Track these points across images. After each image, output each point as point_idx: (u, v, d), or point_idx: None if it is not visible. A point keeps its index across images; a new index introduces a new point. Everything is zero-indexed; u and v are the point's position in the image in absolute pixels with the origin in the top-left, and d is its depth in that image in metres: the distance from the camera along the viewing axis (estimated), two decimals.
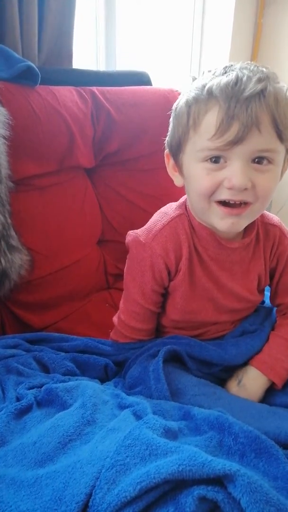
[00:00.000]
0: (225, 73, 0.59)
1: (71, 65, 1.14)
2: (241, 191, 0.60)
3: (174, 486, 0.43)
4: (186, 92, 0.64)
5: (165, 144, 0.71)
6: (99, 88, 1.08)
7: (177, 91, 1.22)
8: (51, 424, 0.52)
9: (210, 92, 0.58)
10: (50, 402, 0.58)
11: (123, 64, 1.61)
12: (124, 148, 1.12)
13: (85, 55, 1.50)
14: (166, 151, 0.71)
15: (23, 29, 1.00)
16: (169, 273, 0.72)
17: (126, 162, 1.15)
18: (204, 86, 0.59)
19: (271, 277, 0.80)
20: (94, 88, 1.07)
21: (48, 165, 0.97)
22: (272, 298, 0.83)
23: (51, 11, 1.03)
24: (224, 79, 0.58)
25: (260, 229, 0.75)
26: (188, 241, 0.71)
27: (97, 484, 0.42)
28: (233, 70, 0.59)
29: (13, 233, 0.85)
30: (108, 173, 1.15)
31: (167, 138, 0.70)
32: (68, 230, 1.04)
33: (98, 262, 1.13)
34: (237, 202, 0.61)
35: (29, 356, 0.72)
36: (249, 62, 0.62)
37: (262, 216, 0.76)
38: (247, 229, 0.73)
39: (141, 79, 1.23)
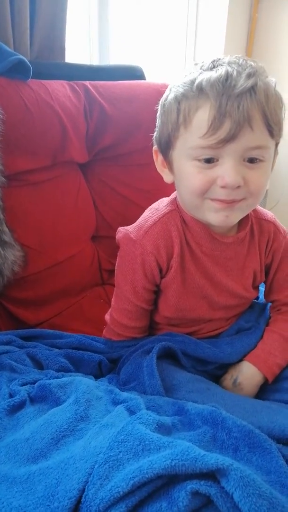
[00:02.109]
0: (214, 67, 0.58)
1: (64, 59, 1.13)
2: (234, 189, 0.59)
3: (167, 481, 0.43)
4: (174, 87, 0.62)
5: (153, 140, 0.69)
6: (92, 82, 1.07)
7: None
8: (44, 420, 0.52)
9: (200, 88, 0.57)
10: (43, 398, 0.58)
11: (116, 58, 1.59)
12: (118, 143, 1.11)
13: (78, 49, 1.49)
14: (155, 147, 0.69)
15: (15, 22, 0.98)
16: (160, 270, 0.72)
17: (120, 157, 1.15)
18: (193, 82, 0.58)
19: (266, 273, 0.80)
20: (87, 82, 1.06)
21: (41, 160, 0.96)
22: (266, 294, 0.83)
23: (43, 4, 1.02)
24: (214, 75, 0.57)
25: (255, 225, 0.75)
26: (180, 238, 0.70)
27: (90, 480, 0.42)
28: (221, 65, 0.58)
29: (5, 228, 0.85)
30: (102, 168, 1.14)
31: (155, 134, 0.69)
32: (62, 225, 1.03)
33: (92, 258, 1.13)
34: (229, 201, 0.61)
35: (23, 352, 0.71)
36: (237, 55, 0.61)
37: (256, 211, 0.75)
38: (241, 224, 0.73)
39: (135, 73, 1.22)
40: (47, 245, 0.99)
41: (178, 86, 0.61)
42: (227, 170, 0.58)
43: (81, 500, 0.41)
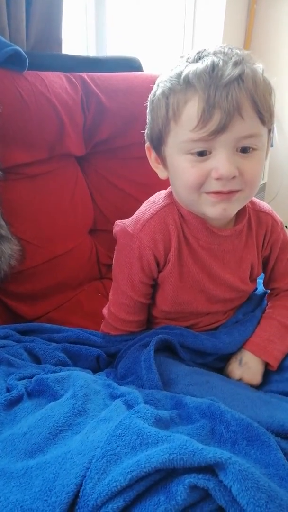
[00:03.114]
0: (200, 59, 0.58)
1: (61, 51, 1.12)
2: (229, 180, 0.59)
3: (165, 475, 0.43)
4: (161, 82, 0.62)
5: (145, 137, 0.69)
6: (89, 74, 1.06)
7: None
8: (42, 414, 0.51)
9: (187, 81, 0.57)
10: (41, 392, 0.58)
11: (113, 50, 1.58)
12: (115, 135, 1.10)
13: (75, 41, 1.47)
14: (147, 144, 0.69)
15: (11, 13, 0.97)
16: (157, 264, 0.71)
17: (117, 150, 1.14)
18: (179, 75, 0.58)
19: (265, 265, 0.80)
20: (84, 74, 1.05)
21: (38, 153, 0.95)
22: (266, 283, 0.84)
23: None
24: (200, 66, 0.56)
25: (252, 217, 0.74)
26: (178, 231, 0.70)
27: (88, 474, 0.42)
28: (207, 56, 0.57)
29: (2, 222, 0.84)
30: (99, 161, 1.13)
31: (146, 131, 0.68)
32: (59, 219, 1.03)
33: (90, 252, 1.12)
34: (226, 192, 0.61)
35: (20, 346, 0.71)
36: (222, 45, 0.60)
37: (253, 203, 0.75)
38: (239, 216, 0.72)
39: (132, 65, 1.21)
40: (44, 238, 0.98)
41: (165, 80, 0.60)
42: (220, 162, 0.58)
43: (79, 494, 0.41)
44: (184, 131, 0.58)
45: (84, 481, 0.42)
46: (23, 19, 1.00)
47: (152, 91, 0.64)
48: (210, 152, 0.59)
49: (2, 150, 0.84)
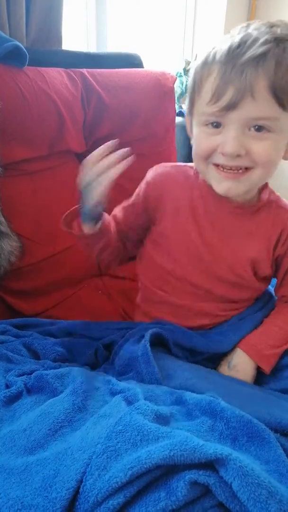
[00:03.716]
0: (238, 34, 0.58)
1: (61, 47, 1.11)
2: (234, 158, 0.60)
3: (166, 471, 0.43)
4: (202, 53, 0.63)
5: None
6: (90, 70, 1.05)
7: (169, 73, 1.20)
8: (41, 411, 0.51)
9: (214, 56, 0.58)
10: (40, 389, 0.58)
11: (114, 46, 1.57)
12: (115, 132, 1.10)
13: (75, 37, 1.47)
14: (187, 115, 0.72)
15: (10, 9, 0.96)
16: (155, 208, 0.76)
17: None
18: (213, 49, 0.59)
19: (278, 266, 0.77)
20: (84, 70, 1.04)
21: (38, 149, 0.95)
22: (277, 288, 0.81)
23: None
24: (228, 43, 0.57)
25: (273, 210, 0.73)
26: (188, 192, 0.73)
27: (88, 471, 0.42)
28: (244, 31, 0.58)
29: (2, 218, 0.84)
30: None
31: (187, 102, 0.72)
32: (59, 216, 1.02)
33: None
34: (232, 168, 0.62)
35: (19, 342, 0.71)
36: (271, 21, 0.59)
37: (278, 199, 0.75)
38: (261, 194, 0.73)
39: (133, 61, 1.20)
40: (44, 235, 0.98)
41: (204, 53, 0.62)
42: (227, 139, 0.59)
43: (79, 490, 0.41)
44: (202, 104, 0.61)
45: (84, 477, 0.42)
46: (23, 14, 0.99)
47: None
48: (223, 127, 0.61)
49: (2, 146, 0.83)
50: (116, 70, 1.11)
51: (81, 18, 1.48)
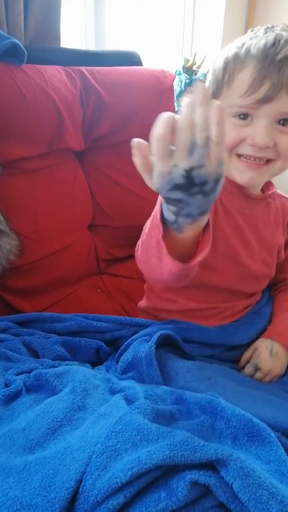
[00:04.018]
0: (266, 33, 0.61)
1: (59, 45, 1.10)
2: (263, 149, 0.63)
3: (166, 471, 0.42)
4: (227, 48, 0.66)
5: None
6: (88, 68, 1.05)
7: (168, 71, 1.19)
8: (41, 410, 0.51)
9: (248, 51, 0.61)
10: (40, 387, 0.57)
11: (112, 44, 1.56)
12: (115, 130, 1.09)
13: (74, 35, 1.46)
14: None
15: (9, 6, 0.96)
16: None
17: (117, 145, 1.13)
18: (243, 45, 0.62)
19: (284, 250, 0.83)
20: (83, 68, 1.03)
21: (36, 148, 0.94)
22: (277, 271, 0.85)
23: None
24: (263, 40, 0.60)
25: (278, 200, 0.79)
26: None
27: (88, 470, 0.42)
28: (273, 32, 0.61)
29: (1, 217, 0.84)
30: (99, 156, 1.12)
31: None
32: (58, 214, 1.02)
33: (89, 247, 1.12)
34: (257, 158, 0.65)
35: (18, 341, 0.70)
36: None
37: (280, 193, 0.80)
38: (265, 189, 0.77)
39: (132, 59, 1.19)
40: (43, 234, 0.97)
41: (231, 47, 0.64)
42: (258, 131, 0.62)
43: (79, 490, 0.41)
44: (233, 95, 0.63)
45: (84, 477, 0.41)
46: (21, 12, 0.98)
47: (217, 56, 0.68)
48: (252, 120, 0.63)
49: (1, 145, 0.83)
50: (115, 68, 1.10)
51: (80, 16, 1.47)
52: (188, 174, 0.43)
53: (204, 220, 0.51)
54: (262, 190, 0.78)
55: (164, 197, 0.47)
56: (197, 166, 0.43)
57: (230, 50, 0.64)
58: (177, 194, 0.45)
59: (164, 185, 0.45)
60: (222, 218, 0.72)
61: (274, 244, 0.78)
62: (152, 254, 0.55)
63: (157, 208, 0.53)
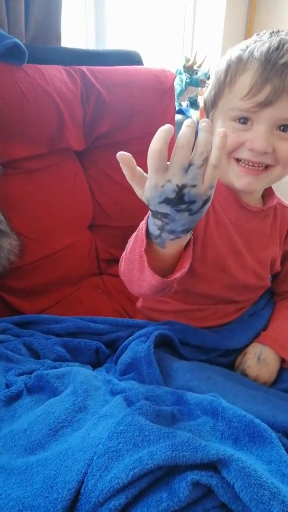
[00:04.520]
0: (270, 37, 0.61)
1: (60, 44, 1.10)
2: (261, 154, 0.62)
3: (168, 471, 0.43)
4: (231, 50, 0.65)
5: (203, 100, 0.72)
6: (89, 67, 1.04)
7: (169, 71, 1.19)
8: (42, 411, 0.51)
9: (251, 54, 0.61)
10: (41, 388, 0.57)
11: (113, 43, 1.56)
12: (115, 130, 1.09)
13: (74, 34, 1.46)
14: (201, 106, 0.72)
15: (9, 6, 0.96)
16: None
17: (117, 145, 1.13)
18: (247, 48, 0.62)
19: (283, 261, 0.81)
20: (84, 68, 1.03)
21: (37, 147, 0.94)
22: (279, 284, 0.84)
23: None
24: (267, 44, 0.60)
25: (278, 209, 0.77)
26: None
27: (89, 471, 0.42)
28: (278, 36, 0.61)
29: (1, 217, 0.84)
30: (99, 156, 1.12)
31: (204, 95, 0.72)
32: (59, 214, 1.02)
33: (90, 247, 1.12)
34: (255, 164, 0.63)
35: (19, 341, 0.70)
36: None
37: (281, 201, 0.79)
38: (267, 199, 0.75)
39: (132, 58, 1.19)
40: (43, 234, 0.97)
41: (234, 50, 0.65)
42: (257, 136, 0.61)
43: (80, 491, 0.41)
44: (235, 98, 0.62)
45: (85, 477, 0.41)
46: (22, 12, 0.98)
47: (222, 58, 0.68)
48: (252, 124, 0.62)
49: (1, 145, 0.83)
50: (116, 67, 1.10)
51: (80, 15, 1.47)
52: (180, 191, 0.45)
53: (186, 238, 0.53)
54: (263, 199, 0.77)
55: (152, 210, 0.49)
56: (189, 185, 0.45)
57: (234, 52, 0.64)
58: (165, 208, 0.47)
59: (155, 197, 0.47)
60: (213, 228, 0.72)
61: (267, 256, 0.77)
62: (134, 266, 0.56)
63: (143, 222, 0.55)
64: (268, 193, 0.77)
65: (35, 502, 0.40)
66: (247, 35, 2.11)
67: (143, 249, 0.53)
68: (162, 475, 0.42)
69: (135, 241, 0.56)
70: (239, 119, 0.63)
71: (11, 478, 0.43)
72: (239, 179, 0.66)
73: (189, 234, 0.53)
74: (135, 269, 0.56)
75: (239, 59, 0.62)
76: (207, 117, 0.70)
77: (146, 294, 0.60)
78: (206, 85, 1.72)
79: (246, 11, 2.07)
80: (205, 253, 0.72)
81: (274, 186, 0.76)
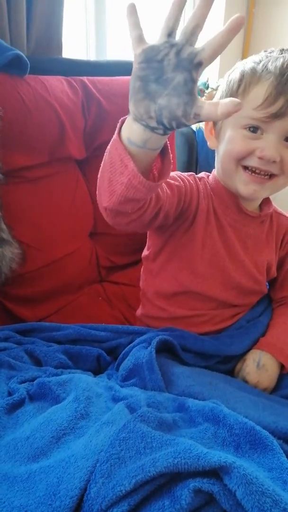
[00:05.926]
0: (282, 53, 0.65)
1: (61, 55, 1.12)
2: (270, 163, 0.65)
3: (170, 479, 0.43)
4: (242, 63, 0.69)
5: None
6: (90, 78, 1.06)
7: None
8: (44, 418, 0.51)
9: (265, 67, 0.63)
10: (43, 396, 0.58)
11: (113, 54, 1.58)
12: None
13: (75, 45, 1.48)
14: None
15: (11, 18, 0.97)
16: (190, 203, 0.72)
17: None
18: (260, 61, 0.65)
19: (279, 267, 0.83)
20: (85, 78, 1.05)
21: (39, 157, 0.95)
22: (276, 291, 0.86)
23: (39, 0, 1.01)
24: (281, 59, 0.64)
25: (274, 218, 0.80)
26: (208, 199, 0.74)
27: (92, 478, 0.42)
28: None
29: (3, 226, 0.84)
30: (100, 165, 1.13)
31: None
32: (60, 222, 1.02)
33: (90, 255, 1.12)
34: (262, 172, 0.67)
35: (21, 349, 0.71)
36: None
37: (277, 209, 0.81)
38: (263, 206, 0.78)
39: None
40: (45, 242, 0.98)
41: (247, 62, 0.68)
42: (268, 144, 0.64)
43: (83, 498, 0.41)
44: (247, 107, 0.65)
45: (88, 485, 0.41)
46: (24, 24, 1.00)
47: (231, 69, 0.71)
48: (262, 134, 0.65)
49: (3, 154, 0.84)
50: (116, 77, 1.11)
51: (81, 27, 1.49)
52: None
53: (162, 138, 0.52)
54: (260, 206, 0.79)
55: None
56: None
57: (247, 64, 0.67)
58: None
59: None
60: (213, 228, 0.74)
61: (263, 261, 0.79)
62: (114, 169, 0.55)
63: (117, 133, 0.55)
64: (265, 201, 0.79)
65: (38, 510, 0.40)
66: (245, 44, 2.14)
67: (122, 151, 0.53)
68: (164, 482, 0.42)
69: (113, 145, 0.56)
70: (250, 127, 0.65)
71: (14, 486, 0.43)
72: (245, 186, 0.68)
73: (165, 137, 0.52)
74: (115, 172, 0.55)
75: (254, 71, 0.65)
76: (213, 125, 0.73)
77: (114, 206, 0.59)
78: (205, 94, 1.73)
79: (245, 14, 2.09)
80: (203, 250, 0.74)
81: (271, 196, 0.78)
